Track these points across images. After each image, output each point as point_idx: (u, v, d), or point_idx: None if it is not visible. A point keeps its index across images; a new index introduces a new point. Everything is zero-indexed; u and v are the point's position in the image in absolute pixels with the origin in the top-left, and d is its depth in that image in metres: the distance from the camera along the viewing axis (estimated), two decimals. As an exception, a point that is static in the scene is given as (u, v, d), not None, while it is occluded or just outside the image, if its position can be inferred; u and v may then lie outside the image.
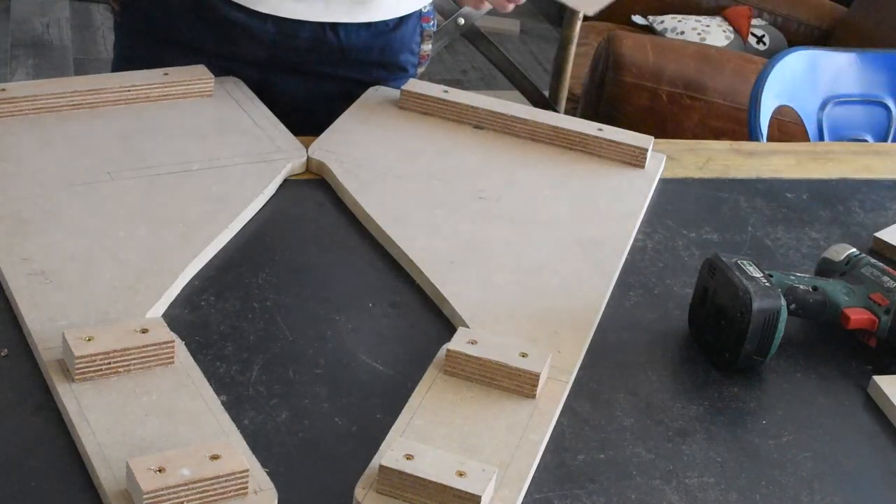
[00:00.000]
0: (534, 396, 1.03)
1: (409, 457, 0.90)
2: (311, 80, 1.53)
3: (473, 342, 1.04)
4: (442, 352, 1.06)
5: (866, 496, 1.02)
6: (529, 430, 1.00)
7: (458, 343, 1.05)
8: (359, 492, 0.90)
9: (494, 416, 1.01)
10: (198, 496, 0.86)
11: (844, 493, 1.01)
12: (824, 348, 1.19)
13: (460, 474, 0.90)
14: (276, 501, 0.89)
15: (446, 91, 1.50)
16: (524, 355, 1.04)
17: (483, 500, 0.90)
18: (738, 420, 1.08)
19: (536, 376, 1.03)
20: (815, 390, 1.13)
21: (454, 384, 1.04)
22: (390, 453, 0.91)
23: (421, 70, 1.66)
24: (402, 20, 1.54)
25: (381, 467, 0.90)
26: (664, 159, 1.48)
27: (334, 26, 1.49)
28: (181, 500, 0.86)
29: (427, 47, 1.63)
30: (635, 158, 1.43)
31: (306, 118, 1.45)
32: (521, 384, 1.03)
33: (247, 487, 0.88)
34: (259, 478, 0.90)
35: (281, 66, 1.50)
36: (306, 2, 1.46)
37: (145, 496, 0.84)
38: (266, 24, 1.46)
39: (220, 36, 1.45)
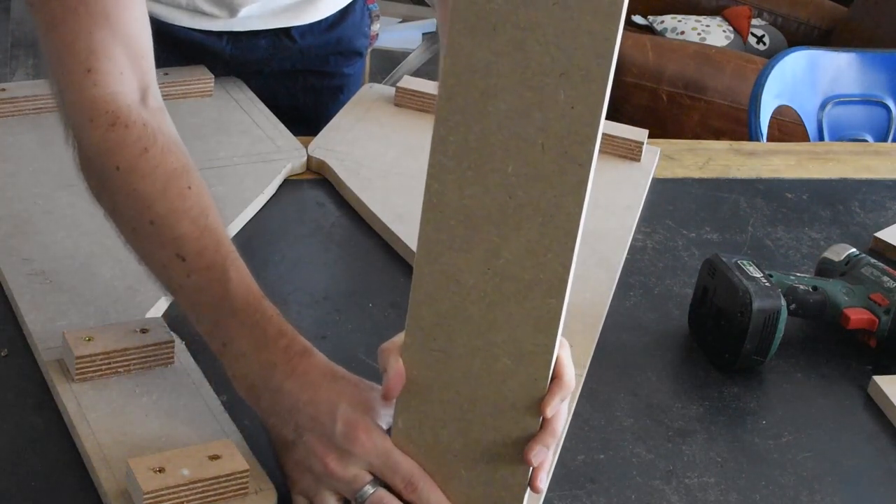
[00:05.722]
0: None
1: None
2: (272, 79, 1.54)
3: None
4: None
5: (866, 496, 1.02)
6: None
7: None
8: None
9: None
10: (198, 496, 0.86)
11: (844, 493, 1.01)
12: (824, 348, 1.19)
13: None
14: (276, 501, 0.89)
15: None
16: None
17: None
18: (738, 420, 1.08)
19: None
20: (815, 390, 1.13)
21: None
22: None
23: (369, 50, 1.68)
24: (348, 7, 1.56)
25: None
26: (658, 152, 1.48)
27: (288, 30, 1.50)
28: (181, 500, 0.86)
29: (375, 27, 1.65)
30: (631, 152, 1.44)
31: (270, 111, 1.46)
32: None
33: (247, 487, 0.88)
34: (259, 478, 0.90)
35: (242, 73, 1.51)
36: (257, 15, 1.47)
37: (145, 496, 0.84)
38: (222, 40, 1.47)
39: (179, 56, 1.45)
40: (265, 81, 1.52)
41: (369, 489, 0.87)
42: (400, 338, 0.87)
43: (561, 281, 0.81)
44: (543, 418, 0.86)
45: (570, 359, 0.87)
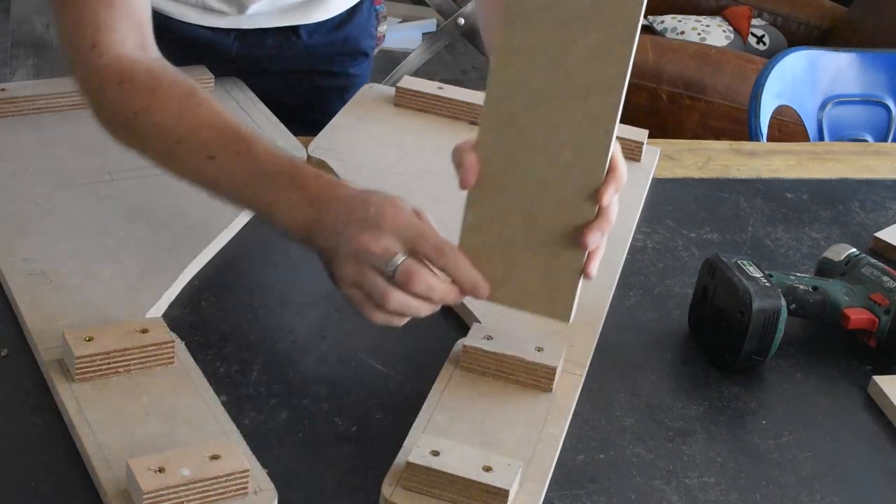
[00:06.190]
0: (550, 390, 1.04)
1: (435, 453, 0.91)
2: (279, 77, 1.54)
3: (489, 338, 1.05)
4: (457, 347, 1.06)
5: (866, 496, 1.02)
6: (549, 423, 1.01)
7: (473, 339, 1.05)
8: (386, 489, 0.91)
9: (513, 411, 1.01)
10: (198, 496, 0.86)
11: (844, 493, 1.01)
12: (824, 348, 1.19)
13: (487, 469, 0.90)
14: (276, 501, 0.89)
15: (441, 88, 1.50)
16: (540, 350, 1.04)
17: (510, 494, 0.90)
18: (738, 420, 1.08)
19: (553, 370, 1.03)
20: (815, 390, 1.13)
21: (471, 379, 1.04)
22: (417, 450, 0.91)
23: (386, 47, 1.69)
24: (356, 7, 1.56)
25: (408, 464, 0.90)
26: (658, 152, 1.48)
27: (296, 29, 1.51)
28: (181, 500, 0.86)
29: (382, 28, 1.66)
30: (631, 152, 1.44)
31: (274, 110, 1.46)
32: (537, 378, 1.04)
33: (247, 487, 0.88)
34: (259, 478, 0.90)
35: (247, 73, 1.51)
36: (266, 12, 1.47)
37: (145, 496, 0.84)
38: (229, 37, 1.47)
39: (184, 54, 1.46)
40: (271, 81, 1.53)
41: (400, 257, 0.97)
42: (473, 137, 1.00)
43: (620, 79, 0.94)
44: (599, 207, 0.99)
45: (622, 156, 1.00)
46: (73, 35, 1.12)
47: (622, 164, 1.00)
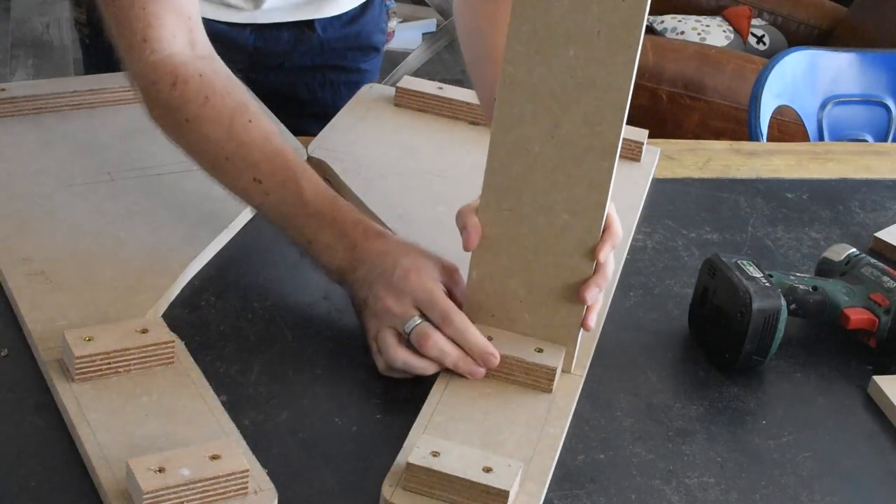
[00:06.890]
0: (550, 391, 1.04)
1: (435, 454, 0.91)
2: (292, 73, 1.56)
3: (489, 338, 1.05)
4: None
5: (866, 496, 1.02)
6: (548, 424, 1.01)
7: None
8: (386, 489, 0.91)
9: (513, 411, 1.01)
10: (198, 496, 0.86)
11: (844, 493, 1.01)
12: (824, 348, 1.19)
13: (487, 470, 0.90)
14: (276, 501, 0.89)
15: (441, 88, 1.50)
16: (540, 350, 1.04)
17: (510, 495, 0.90)
18: (738, 420, 1.08)
19: (553, 371, 1.03)
20: (815, 390, 1.13)
21: (471, 380, 1.04)
22: (417, 450, 0.91)
23: (386, 46, 1.71)
24: (368, 3, 1.59)
25: (409, 465, 0.90)
26: (658, 152, 1.48)
27: (311, 23, 1.52)
28: (181, 500, 0.86)
29: (392, 24, 1.69)
30: (631, 152, 1.44)
31: (285, 105, 1.47)
32: (537, 379, 1.04)
33: (247, 487, 0.88)
34: (259, 478, 0.90)
35: (262, 67, 1.52)
36: (281, 7, 1.48)
37: (145, 496, 0.84)
38: (245, 32, 1.48)
39: None
40: (285, 75, 1.54)
41: (417, 320, 1.02)
42: (476, 201, 1.03)
43: (612, 146, 0.98)
44: (596, 263, 1.02)
45: (616, 214, 1.03)
46: (123, 28, 1.13)
47: (617, 222, 1.03)
